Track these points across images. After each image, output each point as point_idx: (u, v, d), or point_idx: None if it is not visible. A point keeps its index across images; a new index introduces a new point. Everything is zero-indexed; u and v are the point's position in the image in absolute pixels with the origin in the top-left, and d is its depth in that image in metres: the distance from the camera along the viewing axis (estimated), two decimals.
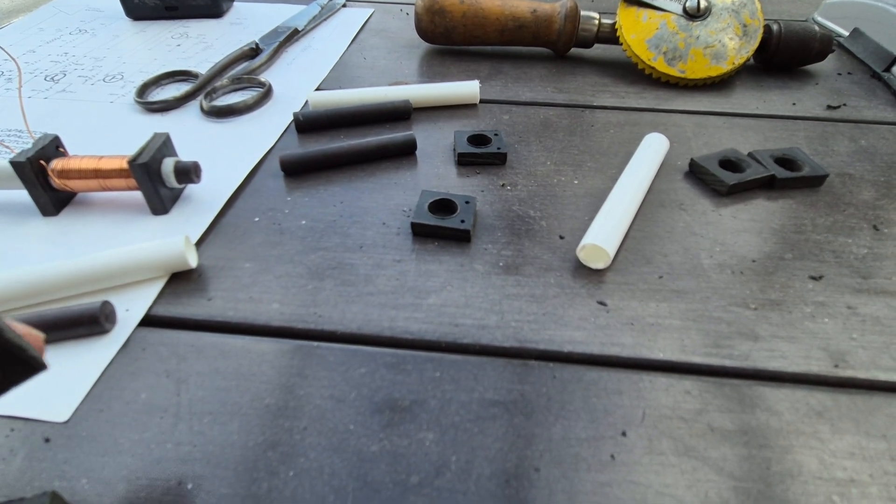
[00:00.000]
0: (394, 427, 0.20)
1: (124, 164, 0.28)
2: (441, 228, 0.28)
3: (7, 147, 0.29)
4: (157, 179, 0.28)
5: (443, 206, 0.29)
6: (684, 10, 0.43)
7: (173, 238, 0.25)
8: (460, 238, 0.28)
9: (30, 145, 0.28)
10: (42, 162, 0.28)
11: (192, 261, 0.25)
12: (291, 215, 0.29)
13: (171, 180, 0.29)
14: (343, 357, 0.22)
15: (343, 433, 0.19)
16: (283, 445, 0.19)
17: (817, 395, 0.21)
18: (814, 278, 0.26)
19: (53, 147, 0.29)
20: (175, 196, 0.30)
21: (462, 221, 0.28)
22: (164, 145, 0.29)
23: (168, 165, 0.28)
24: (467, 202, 0.29)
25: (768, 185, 0.32)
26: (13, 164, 0.27)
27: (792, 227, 0.29)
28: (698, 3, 0.42)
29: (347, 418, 0.20)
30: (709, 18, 0.43)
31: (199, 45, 0.50)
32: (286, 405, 0.20)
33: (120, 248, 0.24)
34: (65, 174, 0.28)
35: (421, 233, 0.28)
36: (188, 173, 0.29)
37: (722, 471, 0.18)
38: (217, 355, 0.22)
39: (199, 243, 0.28)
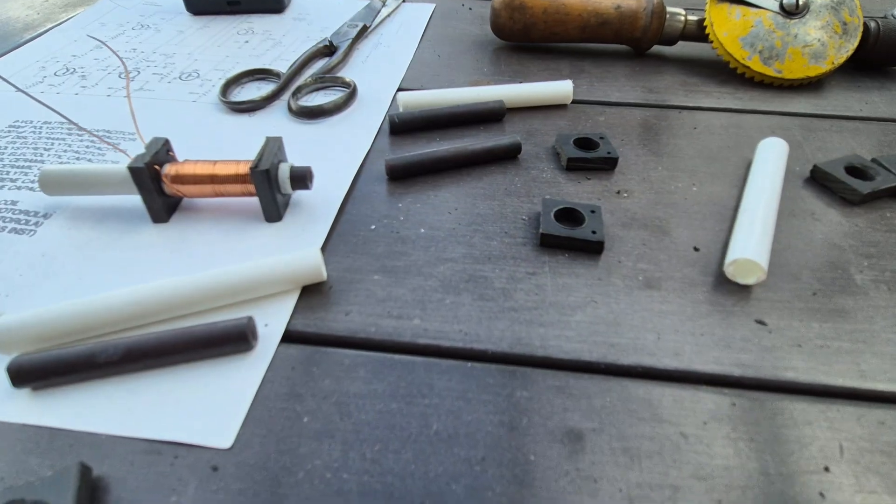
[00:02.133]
0: (577, 458, 0.18)
1: (241, 170, 0.27)
2: (573, 240, 0.26)
3: (119, 150, 0.28)
4: (275, 186, 0.27)
5: (567, 215, 0.28)
6: (781, 6, 0.41)
7: (308, 249, 0.24)
8: (592, 250, 0.27)
9: (139, 147, 0.27)
10: (156, 166, 0.27)
11: (324, 272, 0.24)
12: (408, 223, 0.28)
13: (287, 186, 0.27)
14: (501, 379, 0.21)
15: (525, 464, 0.18)
16: (466, 477, 0.18)
17: None
18: None
19: (165, 151, 0.28)
20: (286, 202, 0.29)
21: (593, 232, 0.26)
22: (279, 150, 0.27)
23: (284, 171, 0.27)
24: (592, 211, 0.28)
25: None
26: (131, 169, 0.26)
27: None
28: (797, 0, 0.41)
29: (525, 447, 0.19)
30: (807, 16, 0.41)
31: (266, 41, 0.49)
32: (456, 432, 0.19)
33: (255, 261, 0.23)
34: (179, 179, 0.27)
35: (550, 244, 0.27)
36: (303, 179, 0.27)
37: None
38: (371, 375, 0.21)
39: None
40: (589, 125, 0.37)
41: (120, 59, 0.31)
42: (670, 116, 0.38)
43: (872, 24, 0.42)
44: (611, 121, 0.38)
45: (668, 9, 0.44)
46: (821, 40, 0.41)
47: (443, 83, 0.42)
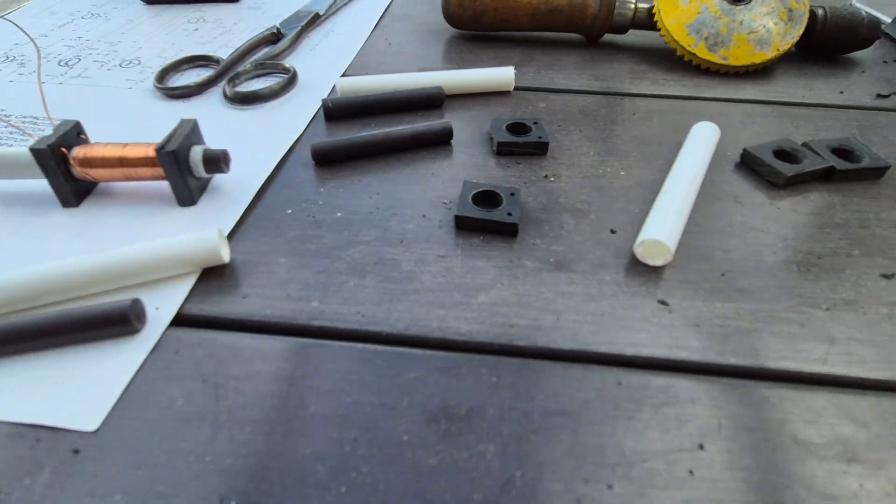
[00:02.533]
0: (451, 438, 0.18)
1: (150, 152, 0.26)
2: (487, 222, 0.26)
3: (27, 133, 0.27)
4: (185, 168, 0.26)
5: (486, 198, 0.28)
6: None
7: (206, 231, 0.23)
8: (507, 232, 0.26)
9: (49, 132, 0.26)
10: (63, 149, 0.26)
11: (226, 255, 0.24)
12: (326, 207, 0.28)
13: (200, 169, 0.27)
14: (391, 360, 0.20)
15: (397, 444, 0.18)
16: (333, 458, 0.17)
17: None
18: (886, 276, 0.24)
19: (74, 133, 0.27)
20: (202, 186, 0.28)
21: (509, 214, 0.26)
22: (192, 132, 0.27)
23: (197, 154, 0.27)
24: (512, 194, 0.27)
25: (825, 177, 0.30)
26: (33, 151, 0.25)
27: (856, 222, 0.27)
28: None
29: (400, 428, 0.18)
30: (753, 2, 0.41)
31: (216, 29, 0.48)
32: (333, 413, 0.19)
33: (150, 242, 0.23)
34: (87, 162, 0.26)
35: (465, 226, 0.26)
36: (217, 162, 0.27)
37: (812, 488, 0.17)
38: (256, 358, 0.20)
39: (230, 236, 0.26)
40: (529, 111, 0.37)
41: (26, 33, 0.30)
42: (612, 103, 0.38)
43: (819, 12, 0.42)
44: (552, 107, 0.37)
45: None
46: (766, 27, 0.40)
47: (390, 71, 0.42)
